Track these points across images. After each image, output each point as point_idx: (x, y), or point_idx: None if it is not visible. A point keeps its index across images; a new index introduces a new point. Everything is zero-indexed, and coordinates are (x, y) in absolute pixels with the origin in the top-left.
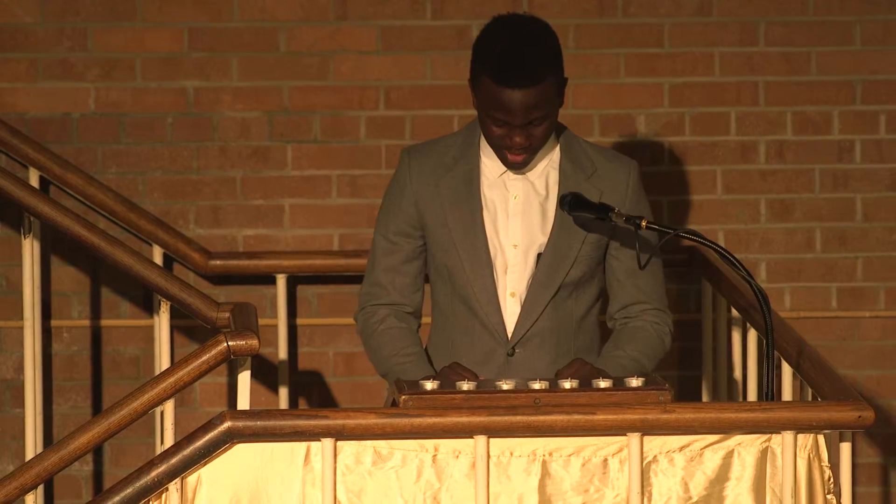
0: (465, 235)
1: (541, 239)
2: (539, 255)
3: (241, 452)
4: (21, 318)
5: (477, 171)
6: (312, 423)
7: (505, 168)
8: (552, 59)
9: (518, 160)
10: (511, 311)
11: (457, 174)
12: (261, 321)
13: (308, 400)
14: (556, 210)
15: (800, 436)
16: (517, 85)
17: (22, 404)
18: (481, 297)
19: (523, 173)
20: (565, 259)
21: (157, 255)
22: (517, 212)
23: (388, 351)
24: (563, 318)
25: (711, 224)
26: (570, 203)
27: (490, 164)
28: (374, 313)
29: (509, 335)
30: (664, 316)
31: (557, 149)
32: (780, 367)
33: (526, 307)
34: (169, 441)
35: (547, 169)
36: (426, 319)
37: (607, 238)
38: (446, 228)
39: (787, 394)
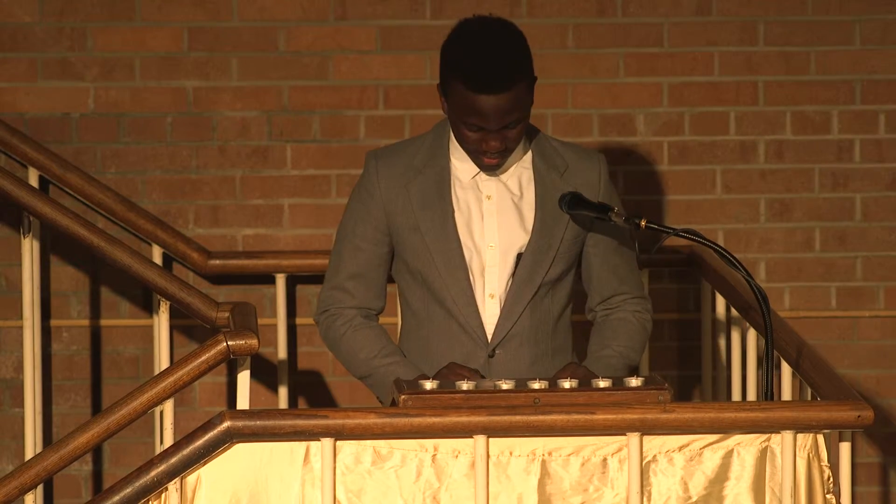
0: (437, 238)
1: (520, 239)
2: (519, 254)
3: (241, 452)
4: (20, 317)
5: (447, 173)
6: (312, 422)
7: (477, 169)
8: (524, 61)
9: (494, 163)
10: (490, 313)
11: (427, 177)
12: (260, 321)
13: (307, 400)
14: (535, 209)
15: (799, 435)
16: (492, 90)
17: (21, 404)
18: (459, 299)
19: (496, 175)
20: (546, 257)
21: (157, 255)
22: (492, 212)
23: (367, 353)
24: (542, 318)
25: (711, 224)
26: (570, 202)
27: (461, 166)
28: (339, 315)
29: (489, 337)
30: (644, 302)
31: (528, 148)
32: (779, 366)
33: (506, 308)
34: (168, 441)
35: (519, 169)
36: (387, 320)
37: (584, 233)
38: (418, 232)
39: (786, 393)
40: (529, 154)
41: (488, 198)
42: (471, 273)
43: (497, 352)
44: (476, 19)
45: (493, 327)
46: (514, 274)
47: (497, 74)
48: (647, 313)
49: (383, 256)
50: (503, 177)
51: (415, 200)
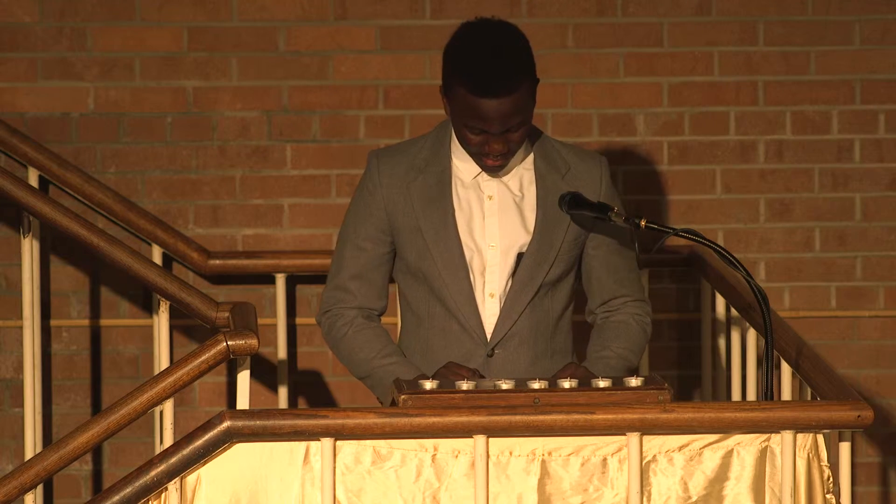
0: (437, 238)
1: (521, 239)
2: (520, 254)
3: (241, 452)
4: (20, 317)
5: (449, 172)
6: (312, 422)
7: (479, 170)
8: (526, 65)
9: (497, 165)
10: (490, 312)
11: (428, 176)
12: (260, 321)
13: (307, 400)
14: (536, 210)
15: (799, 435)
16: (494, 95)
17: (21, 404)
18: (458, 298)
19: (498, 175)
20: (546, 258)
21: (157, 255)
22: (493, 212)
23: (366, 353)
24: (541, 318)
25: (711, 224)
26: (570, 202)
27: (462, 167)
28: (341, 315)
29: (488, 336)
30: (644, 305)
31: (530, 149)
32: (779, 366)
33: (506, 307)
34: (168, 441)
35: (520, 170)
36: (388, 320)
37: (585, 234)
38: (419, 231)
39: (786, 393)
40: (531, 155)
41: (490, 198)
42: (471, 272)
43: (496, 351)
44: (478, 22)
45: (493, 327)
46: (514, 274)
47: (499, 79)
48: (646, 316)
49: (385, 256)
50: (505, 177)
51: (416, 200)
